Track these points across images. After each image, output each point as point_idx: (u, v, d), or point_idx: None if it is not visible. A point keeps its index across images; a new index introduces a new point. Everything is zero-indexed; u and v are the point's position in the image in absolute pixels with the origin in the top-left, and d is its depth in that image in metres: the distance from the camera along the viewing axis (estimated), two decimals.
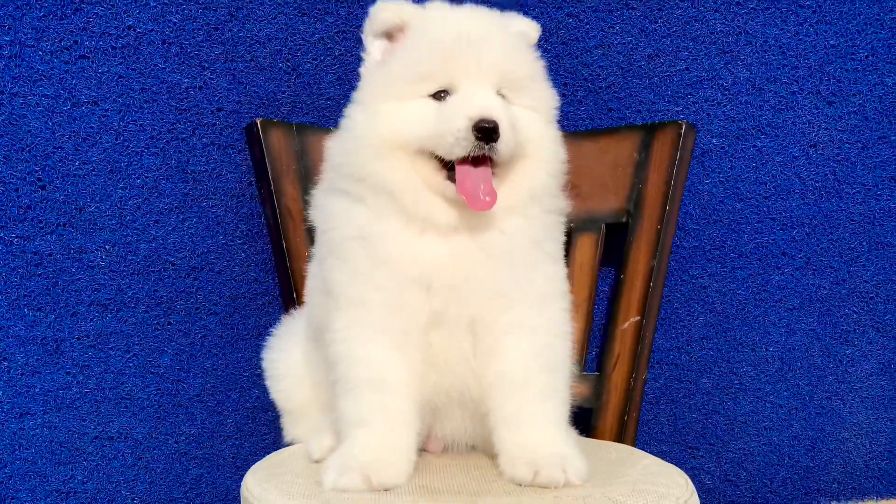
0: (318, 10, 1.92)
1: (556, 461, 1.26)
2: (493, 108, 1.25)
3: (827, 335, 2.18)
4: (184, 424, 1.90)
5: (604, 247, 1.86)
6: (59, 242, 1.80)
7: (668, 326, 2.11)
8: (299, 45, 1.92)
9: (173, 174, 1.86)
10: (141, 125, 1.84)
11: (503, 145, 1.25)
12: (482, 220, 1.32)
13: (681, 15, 2.07)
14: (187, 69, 1.86)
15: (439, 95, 1.29)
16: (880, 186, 2.17)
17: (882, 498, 2.24)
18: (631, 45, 2.06)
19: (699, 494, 1.41)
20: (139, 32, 1.83)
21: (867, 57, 2.15)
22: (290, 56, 1.92)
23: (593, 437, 1.81)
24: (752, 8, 2.09)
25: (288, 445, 1.64)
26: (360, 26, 1.38)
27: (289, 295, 1.81)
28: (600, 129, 1.97)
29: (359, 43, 1.39)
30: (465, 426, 1.43)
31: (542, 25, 1.74)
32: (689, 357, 2.13)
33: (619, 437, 1.82)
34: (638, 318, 1.82)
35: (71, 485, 1.83)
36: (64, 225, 1.80)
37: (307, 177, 1.77)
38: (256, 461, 1.54)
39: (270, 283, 1.94)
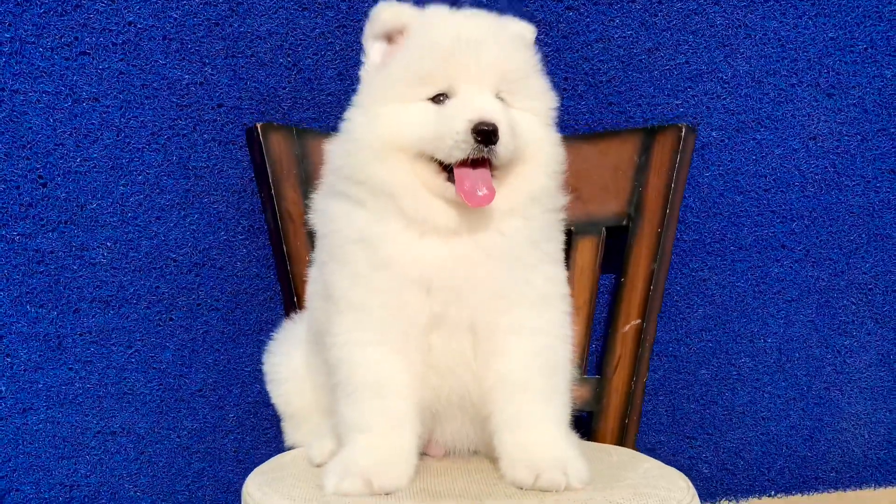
0: (319, 4, 1.92)
1: (558, 464, 1.26)
2: (492, 111, 1.25)
3: (825, 326, 2.19)
4: (186, 419, 1.90)
5: (604, 250, 1.86)
6: (60, 240, 1.79)
7: (667, 318, 2.11)
8: (300, 40, 1.92)
9: (174, 171, 1.86)
10: (142, 121, 1.83)
11: (502, 148, 1.25)
12: (482, 222, 1.31)
13: (681, 8, 2.07)
14: (188, 65, 1.85)
15: (439, 99, 1.29)
16: (879, 179, 2.18)
17: (880, 486, 2.26)
18: (631, 39, 2.05)
19: (697, 484, 1.41)
20: (140, 28, 1.82)
21: (866, 49, 2.15)
22: (290, 51, 1.91)
23: (594, 441, 1.80)
24: (751, 1, 2.09)
25: (289, 449, 1.64)
26: (361, 21, 1.38)
27: (289, 299, 1.80)
28: (600, 132, 1.96)
29: (359, 36, 1.39)
30: (466, 430, 1.43)
31: (541, 19, 1.74)
32: (688, 348, 2.14)
33: (620, 441, 1.82)
34: (638, 321, 1.81)
35: (74, 478, 1.83)
36: (65, 222, 1.80)
37: (308, 181, 1.76)
38: (258, 455, 1.54)
39: (272, 278, 1.94)
